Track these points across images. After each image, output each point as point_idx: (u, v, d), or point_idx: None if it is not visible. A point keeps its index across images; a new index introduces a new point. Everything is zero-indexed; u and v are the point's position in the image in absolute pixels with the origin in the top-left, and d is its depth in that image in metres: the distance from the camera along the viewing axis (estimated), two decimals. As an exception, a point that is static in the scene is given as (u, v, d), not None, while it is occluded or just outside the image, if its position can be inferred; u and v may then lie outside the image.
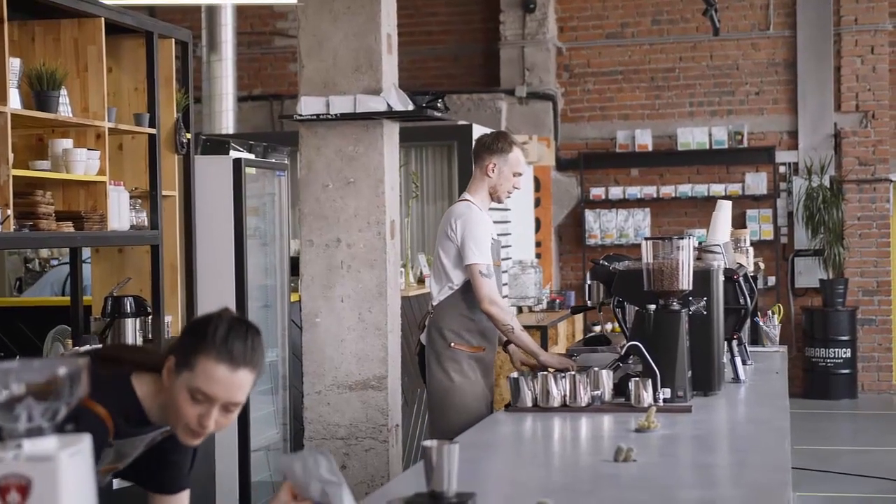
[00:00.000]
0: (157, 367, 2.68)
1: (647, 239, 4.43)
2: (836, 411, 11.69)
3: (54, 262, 8.53)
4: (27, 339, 6.35)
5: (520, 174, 5.30)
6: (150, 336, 5.60)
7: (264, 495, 6.59)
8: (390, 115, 5.50)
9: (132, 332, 5.40)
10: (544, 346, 8.81)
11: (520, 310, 10.13)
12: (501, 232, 10.13)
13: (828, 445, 9.94)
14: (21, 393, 1.74)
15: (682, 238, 4.38)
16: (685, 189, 12.60)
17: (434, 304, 5.29)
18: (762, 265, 11.39)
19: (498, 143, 5.26)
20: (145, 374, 2.70)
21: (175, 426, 2.66)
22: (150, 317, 5.57)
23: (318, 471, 2.42)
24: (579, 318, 10.84)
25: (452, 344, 5.17)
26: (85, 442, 1.77)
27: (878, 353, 12.48)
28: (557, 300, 10.69)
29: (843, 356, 12.09)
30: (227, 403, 2.59)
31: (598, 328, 10.60)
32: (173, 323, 5.85)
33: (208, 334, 2.58)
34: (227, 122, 10.68)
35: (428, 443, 2.70)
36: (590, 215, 12.79)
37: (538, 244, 12.19)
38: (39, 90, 4.77)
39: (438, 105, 5.74)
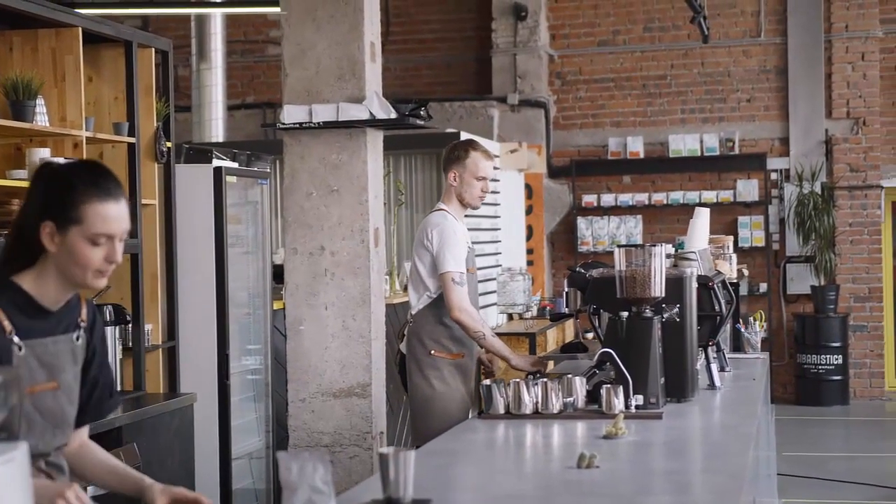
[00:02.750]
0: (31, 262, 2.71)
1: (619, 246, 4.44)
2: (828, 418, 11.69)
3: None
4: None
5: (483, 178, 5.33)
6: (129, 345, 5.61)
7: None
8: (373, 123, 5.52)
9: (112, 340, 5.41)
10: (532, 353, 8.82)
11: (509, 317, 10.15)
12: (492, 239, 10.17)
13: (818, 452, 9.94)
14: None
15: (655, 245, 4.39)
16: (677, 196, 12.62)
17: (413, 312, 5.35)
18: (746, 272, 11.40)
19: (454, 151, 5.37)
20: (23, 273, 2.72)
21: (83, 280, 2.70)
22: (129, 325, 5.59)
23: (313, 477, 2.44)
24: (570, 325, 10.85)
25: (432, 351, 5.24)
26: (20, 450, 1.79)
27: (869, 359, 12.48)
28: (548, 307, 10.70)
29: (835, 363, 12.09)
30: (121, 234, 2.71)
31: (590, 335, 10.59)
32: (153, 331, 5.87)
33: (78, 185, 2.66)
34: (216, 130, 10.70)
35: (384, 450, 2.73)
36: (582, 222, 12.80)
37: (530, 251, 12.22)
38: (15, 99, 4.79)
39: (421, 113, 5.76)
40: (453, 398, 5.22)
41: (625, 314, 4.36)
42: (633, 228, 12.71)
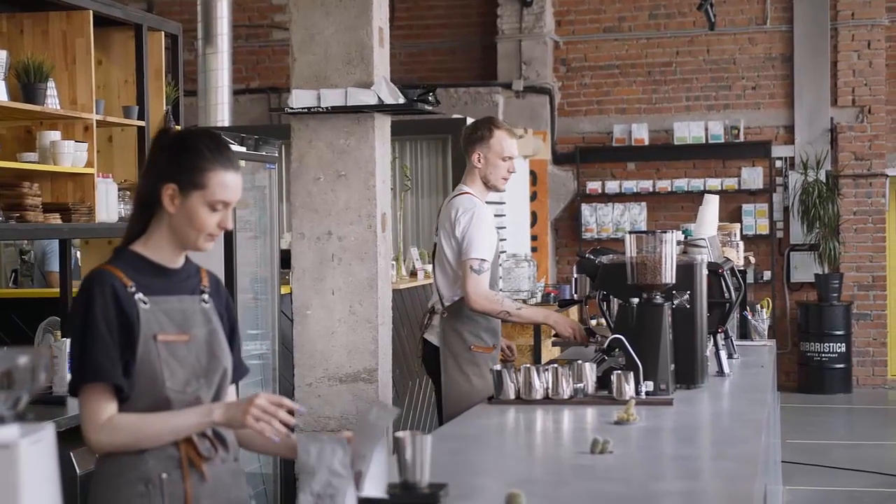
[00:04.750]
0: (143, 230, 2.85)
1: (630, 232, 4.44)
2: (831, 406, 11.71)
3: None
4: (20, 331, 6.37)
5: (509, 157, 5.18)
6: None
7: (253, 487, 6.61)
8: (381, 108, 5.51)
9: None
10: (538, 339, 8.81)
11: (514, 303, 10.14)
12: (496, 225, 10.16)
13: (821, 440, 9.96)
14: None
15: (666, 232, 4.39)
16: (681, 183, 12.62)
17: (446, 303, 5.21)
18: (752, 259, 11.42)
19: (478, 131, 5.21)
20: (136, 241, 2.86)
21: (195, 242, 2.84)
22: (138, 308, 5.59)
23: (332, 461, 2.44)
24: (575, 311, 10.85)
25: (472, 347, 5.13)
26: (48, 430, 1.79)
27: (872, 347, 12.50)
28: (552, 294, 10.69)
29: (838, 351, 12.11)
30: (235, 203, 2.85)
31: (594, 322, 10.60)
32: (162, 315, 5.87)
33: (204, 152, 2.79)
34: (222, 114, 10.68)
35: (400, 434, 2.72)
36: (586, 209, 12.80)
37: (534, 238, 12.22)
38: (26, 82, 4.79)
39: (429, 98, 5.74)
40: (489, 391, 5.17)
41: (635, 301, 4.37)
42: (637, 216, 12.71)
